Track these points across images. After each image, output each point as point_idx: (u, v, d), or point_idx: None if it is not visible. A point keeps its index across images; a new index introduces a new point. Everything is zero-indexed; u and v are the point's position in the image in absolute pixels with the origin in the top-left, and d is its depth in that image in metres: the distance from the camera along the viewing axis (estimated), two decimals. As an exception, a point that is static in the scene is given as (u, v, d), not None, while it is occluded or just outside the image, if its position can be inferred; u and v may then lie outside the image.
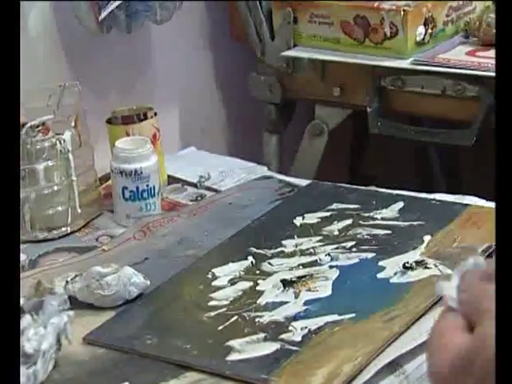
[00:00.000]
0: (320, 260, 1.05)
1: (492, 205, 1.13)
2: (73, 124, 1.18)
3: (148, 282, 1.01)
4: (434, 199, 1.19)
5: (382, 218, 1.13)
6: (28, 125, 1.14)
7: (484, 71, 1.32)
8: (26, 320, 0.86)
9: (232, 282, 1.02)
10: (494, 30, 1.37)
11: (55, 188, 1.16)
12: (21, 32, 1.30)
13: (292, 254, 1.07)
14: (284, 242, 1.09)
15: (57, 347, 0.88)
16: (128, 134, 1.24)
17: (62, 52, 1.38)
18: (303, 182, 1.28)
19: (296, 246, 1.08)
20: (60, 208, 1.17)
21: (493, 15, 1.39)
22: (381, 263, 1.03)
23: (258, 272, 1.03)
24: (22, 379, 0.84)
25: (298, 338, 0.90)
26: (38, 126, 1.15)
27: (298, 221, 1.15)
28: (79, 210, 1.18)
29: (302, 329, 0.91)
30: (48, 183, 1.16)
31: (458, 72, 1.34)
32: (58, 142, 1.16)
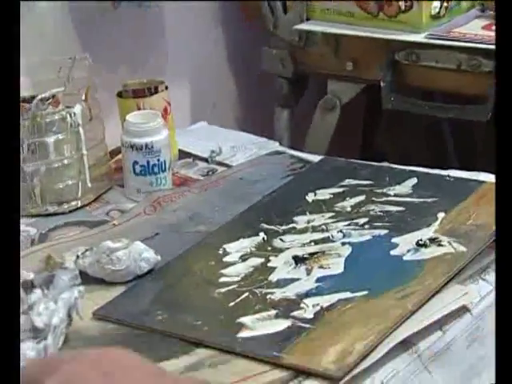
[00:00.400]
0: (332, 237, 1.03)
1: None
2: (83, 97, 1.17)
3: (159, 257, 1.00)
4: (448, 176, 1.17)
5: (395, 195, 1.12)
6: (38, 97, 1.13)
7: (500, 46, 1.30)
8: (36, 294, 0.86)
9: (243, 258, 1.01)
10: None
11: (65, 161, 1.15)
12: (31, 5, 1.29)
13: (304, 231, 1.05)
14: (296, 219, 1.08)
15: (67, 322, 0.88)
16: (139, 108, 1.23)
17: (73, 25, 1.37)
18: (315, 158, 1.27)
19: (308, 222, 1.07)
20: (70, 182, 1.16)
21: (510, -11, 1.37)
22: (394, 240, 1.02)
23: (269, 248, 1.02)
24: (32, 353, 0.84)
25: (310, 316, 0.89)
26: (48, 99, 1.14)
27: (310, 197, 1.13)
28: (89, 184, 1.18)
29: (313, 306, 0.91)
30: (58, 157, 1.15)
31: (473, 46, 1.32)
32: (68, 115, 1.14)
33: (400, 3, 1.36)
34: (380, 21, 1.39)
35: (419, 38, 1.36)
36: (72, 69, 1.16)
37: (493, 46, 1.31)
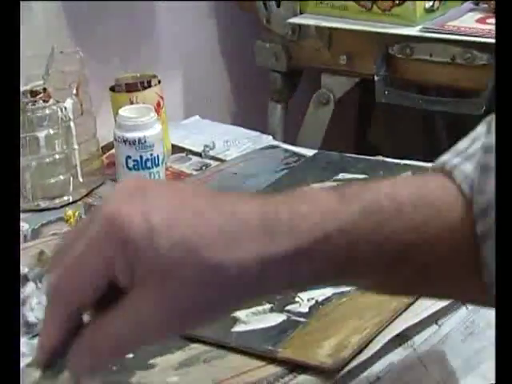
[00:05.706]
0: (327, 230, 1.03)
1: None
2: (74, 91, 1.16)
3: (152, 252, 0.99)
4: (442, 169, 1.17)
5: (390, 188, 1.11)
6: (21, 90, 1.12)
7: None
8: (30, 288, 0.85)
9: (237, 253, 1.00)
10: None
11: (57, 156, 1.15)
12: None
13: (298, 224, 1.05)
14: (290, 212, 1.07)
15: (60, 319, 0.87)
16: (131, 102, 1.22)
17: (64, 17, 1.36)
18: (309, 152, 1.26)
19: (302, 216, 1.07)
20: (62, 177, 1.15)
21: (503, -19, 1.37)
22: (389, 234, 1.01)
23: (263, 242, 1.02)
24: (24, 349, 0.83)
25: (305, 309, 0.89)
26: (37, 94, 1.14)
27: (305, 191, 1.13)
28: (81, 179, 1.17)
29: (308, 300, 0.90)
30: (49, 151, 1.14)
31: (467, 39, 1.32)
32: (59, 109, 1.14)
33: (394, -4, 1.36)
34: (374, 14, 1.39)
35: (413, 31, 1.36)
36: (51, 62, 1.15)
37: (487, 40, 1.30)
